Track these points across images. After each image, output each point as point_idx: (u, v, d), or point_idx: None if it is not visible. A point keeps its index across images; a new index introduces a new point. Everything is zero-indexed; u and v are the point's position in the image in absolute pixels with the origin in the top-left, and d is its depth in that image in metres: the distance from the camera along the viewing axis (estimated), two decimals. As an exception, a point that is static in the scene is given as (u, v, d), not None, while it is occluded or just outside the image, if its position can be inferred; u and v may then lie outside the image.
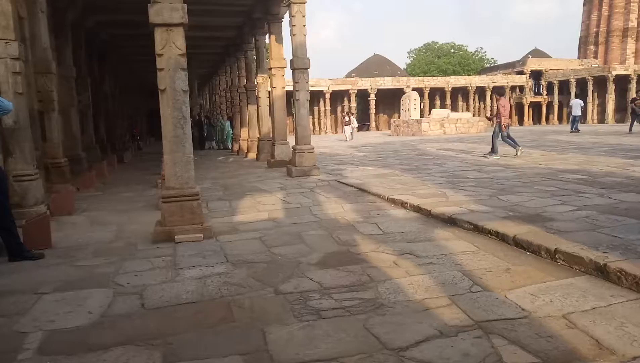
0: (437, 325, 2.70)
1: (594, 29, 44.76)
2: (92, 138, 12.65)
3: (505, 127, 11.35)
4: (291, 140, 11.23)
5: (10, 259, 4.41)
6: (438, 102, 42.79)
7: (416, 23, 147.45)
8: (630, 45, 42.08)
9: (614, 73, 36.84)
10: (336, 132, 40.12)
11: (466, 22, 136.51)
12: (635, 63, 39.96)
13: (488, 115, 13.59)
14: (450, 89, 43.09)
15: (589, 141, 15.56)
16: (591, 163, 9.32)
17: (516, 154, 11.24)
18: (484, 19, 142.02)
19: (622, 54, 42.30)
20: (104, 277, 3.84)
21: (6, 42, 5.72)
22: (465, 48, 65.96)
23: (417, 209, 5.73)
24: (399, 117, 33.00)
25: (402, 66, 59.16)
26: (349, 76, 47.42)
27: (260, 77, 13.99)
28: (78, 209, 6.95)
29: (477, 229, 4.61)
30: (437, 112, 29.28)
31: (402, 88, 40.04)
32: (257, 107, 15.09)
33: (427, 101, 41.59)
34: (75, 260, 4.42)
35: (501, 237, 4.28)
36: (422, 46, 67.18)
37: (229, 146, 21.38)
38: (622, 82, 36.97)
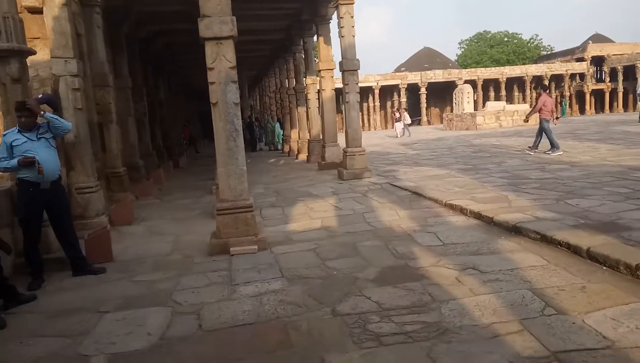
0: (510, 355, 2.50)
1: (662, 9, 41.80)
2: (149, 145, 12.97)
3: (527, 119, 12.94)
4: (341, 138, 11.09)
5: (74, 274, 4.55)
6: (492, 94, 41.35)
7: (467, 12, 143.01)
8: None
9: (686, 55, 34.31)
10: (386, 128, 39.65)
11: (519, 8, 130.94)
12: None
13: (525, 118, 13.55)
14: (504, 79, 41.57)
15: (661, 132, 14.48)
16: (667, 158, 8.64)
17: (530, 150, 11.57)
18: (540, 4, 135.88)
19: (695, 34, 39.31)
20: (162, 294, 3.87)
21: (66, 60, 5.92)
22: (519, 36, 63.36)
23: (478, 216, 5.45)
24: (451, 111, 32.21)
25: (453, 58, 57.67)
26: (398, 70, 46.73)
27: (309, 79, 13.93)
28: (137, 219, 7.12)
29: (546, 239, 4.31)
30: (492, 105, 28.25)
31: (454, 80, 39.02)
32: (307, 109, 15.06)
33: (480, 93, 40.32)
34: (134, 275, 4.50)
35: (573, 249, 3.97)
36: (473, 36, 65.17)
37: (280, 147, 21.57)
38: (695, 64, 34.39)
